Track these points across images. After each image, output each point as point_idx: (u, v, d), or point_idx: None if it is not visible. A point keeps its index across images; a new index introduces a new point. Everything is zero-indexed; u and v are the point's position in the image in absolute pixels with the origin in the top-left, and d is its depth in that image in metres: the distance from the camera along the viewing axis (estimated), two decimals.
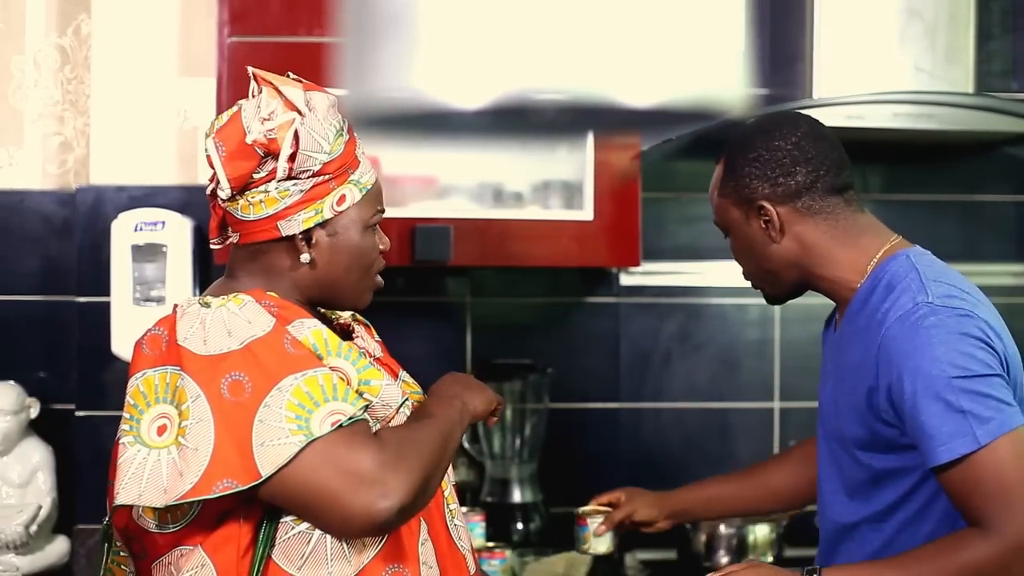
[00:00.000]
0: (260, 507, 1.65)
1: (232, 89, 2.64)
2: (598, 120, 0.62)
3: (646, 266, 3.13)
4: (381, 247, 1.87)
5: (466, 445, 3.12)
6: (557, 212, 2.91)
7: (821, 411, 2.08)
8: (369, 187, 1.82)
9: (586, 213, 2.84)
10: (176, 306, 1.71)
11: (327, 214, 1.77)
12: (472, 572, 1.84)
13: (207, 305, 1.68)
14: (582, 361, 3.20)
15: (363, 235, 1.82)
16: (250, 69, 1.79)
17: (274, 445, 1.57)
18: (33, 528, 2.78)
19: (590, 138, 2.84)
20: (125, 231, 2.83)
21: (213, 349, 1.63)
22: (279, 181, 1.74)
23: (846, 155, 2.01)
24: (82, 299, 2.97)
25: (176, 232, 2.84)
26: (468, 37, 0.61)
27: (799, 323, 3.19)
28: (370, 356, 1.86)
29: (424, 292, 3.19)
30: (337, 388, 1.62)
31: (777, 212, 1.97)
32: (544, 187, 2.97)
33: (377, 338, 2.00)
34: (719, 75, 0.62)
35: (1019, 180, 3.35)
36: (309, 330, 1.68)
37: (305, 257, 1.77)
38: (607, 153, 2.84)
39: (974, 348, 1.81)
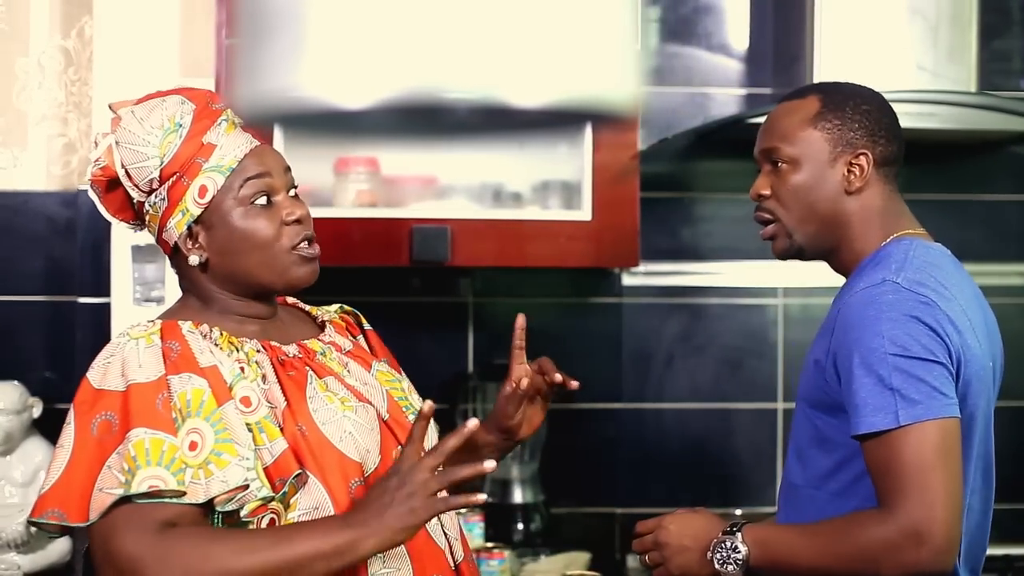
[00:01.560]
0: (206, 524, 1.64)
1: (230, 89, 2.65)
2: (484, 120, 0.62)
3: (649, 266, 3.13)
4: (288, 217, 1.75)
5: None
6: (556, 212, 2.91)
7: None
8: (234, 166, 1.73)
9: (584, 213, 2.84)
10: (122, 332, 1.73)
11: (194, 210, 1.73)
12: (456, 562, 1.79)
13: (127, 336, 1.69)
14: (584, 361, 3.19)
15: (246, 215, 1.73)
16: (109, 104, 1.80)
17: (107, 492, 1.57)
18: (33, 528, 2.79)
19: (588, 138, 2.84)
20: (125, 232, 2.83)
21: (103, 384, 1.64)
22: (147, 199, 1.75)
23: None
24: (84, 299, 2.99)
25: None
26: (352, 39, 0.61)
27: (802, 323, 3.18)
28: (338, 350, 1.84)
29: (427, 292, 3.19)
30: (175, 461, 1.58)
31: (872, 166, 1.97)
32: (543, 187, 2.97)
33: (368, 327, 1.97)
34: (609, 76, 0.61)
35: None
36: (191, 387, 1.63)
37: (193, 259, 1.75)
38: (605, 153, 2.83)
39: (921, 332, 1.81)
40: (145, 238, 2.82)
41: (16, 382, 2.93)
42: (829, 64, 2.89)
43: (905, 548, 1.74)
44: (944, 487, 1.75)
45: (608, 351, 3.20)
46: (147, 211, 1.77)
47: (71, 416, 1.63)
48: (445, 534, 1.80)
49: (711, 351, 3.23)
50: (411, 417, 1.83)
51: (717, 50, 3.23)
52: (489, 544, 2.92)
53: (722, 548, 1.88)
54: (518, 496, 3.07)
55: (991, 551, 2.04)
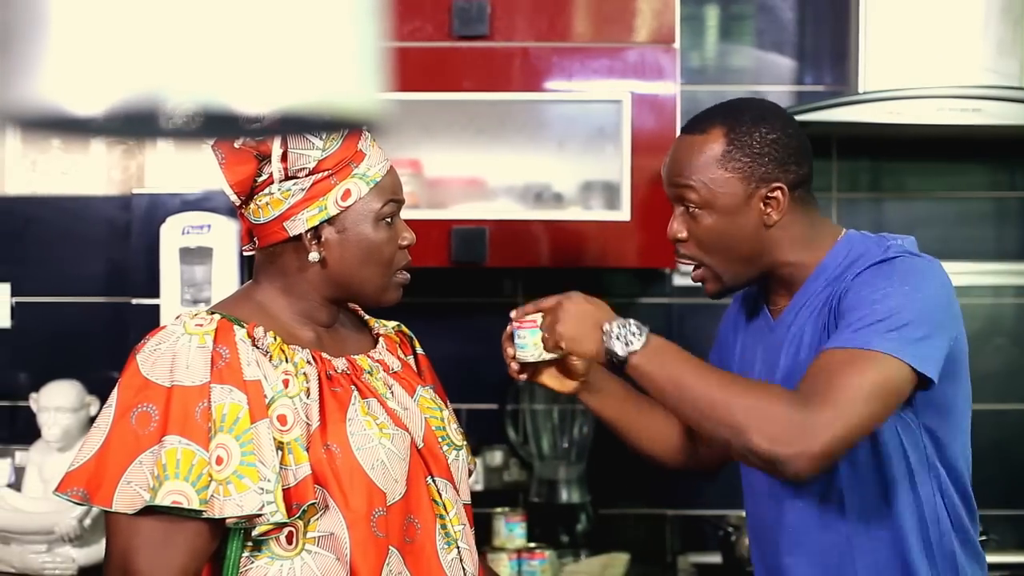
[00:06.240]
0: (216, 539, 1.67)
1: None
2: (220, 127, 0.63)
3: None
4: (403, 242, 1.83)
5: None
6: (594, 213, 2.90)
7: None
8: (378, 179, 1.78)
9: (623, 214, 2.83)
10: (178, 316, 1.76)
11: (332, 210, 1.75)
12: None
13: (183, 327, 1.70)
14: None
15: (376, 228, 1.78)
16: None
17: (135, 489, 1.60)
18: (87, 521, 2.87)
19: (627, 138, 2.83)
20: (173, 234, 2.91)
21: (151, 374, 1.66)
22: (279, 182, 1.74)
23: None
24: (137, 300, 3.06)
25: (222, 235, 2.91)
26: (89, 42, 0.62)
27: None
28: (386, 369, 1.85)
29: (475, 293, 3.21)
30: (202, 477, 1.60)
31: (787, 197, 1.92)
32: (587, 188, 2.97)
33: (420, 351, 2.00)
34: (346, 80, 0.62)
35: None
36: (230, 401, 1.65)
37: (313, 256, 1.76)
38: (644, 153, 2.82)
39: (946, 291, 1.84)
40: (192, 240, 2.92)
41: (75, 381, 3.02)
42: (874, 60, 2.83)
43: (790, 443, 1.71)
44: (861, 425, 1.73)
45: None
46: (269, 192, 1.76)
47: (114, 398, 1.65)
48: (464, 570, 1.80)
49: None
50: (445, 449, 1.84)
51: (769, 48, 3.19)
52: (532, 544, 2.93)
53: (623, 326, 1.88)
54: (565, 496, 3.07)
55: (999, 559, 2.00)
